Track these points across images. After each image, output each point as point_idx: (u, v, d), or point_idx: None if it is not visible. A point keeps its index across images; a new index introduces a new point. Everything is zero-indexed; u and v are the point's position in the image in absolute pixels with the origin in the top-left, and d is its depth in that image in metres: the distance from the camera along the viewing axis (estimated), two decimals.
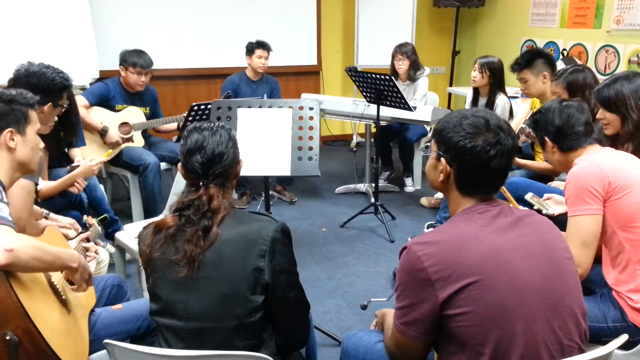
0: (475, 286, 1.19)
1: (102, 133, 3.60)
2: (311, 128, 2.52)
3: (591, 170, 1.80)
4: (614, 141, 2.16)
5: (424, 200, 4.31)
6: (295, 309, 1.51)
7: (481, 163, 1.28)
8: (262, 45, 4.29)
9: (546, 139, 1.97)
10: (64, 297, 1.55)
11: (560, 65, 4.38)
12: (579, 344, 1.28)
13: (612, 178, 1.76)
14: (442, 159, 1.34)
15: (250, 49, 4.32)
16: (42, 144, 1.73)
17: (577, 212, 1.78)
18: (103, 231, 3.15)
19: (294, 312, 1.51)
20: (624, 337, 1.28)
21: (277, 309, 1.43)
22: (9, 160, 1.59)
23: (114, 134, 3.64)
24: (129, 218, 3.71)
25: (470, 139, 1.28)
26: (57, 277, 1.58)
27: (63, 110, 2.60)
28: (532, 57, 3.14)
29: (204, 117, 3.63)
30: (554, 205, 2.33)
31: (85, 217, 2.36)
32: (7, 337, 1.25)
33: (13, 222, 1.39)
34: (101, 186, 3.21)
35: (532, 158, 3.29)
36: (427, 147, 1.44)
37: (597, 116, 2.16)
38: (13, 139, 1.58)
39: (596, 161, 1.82)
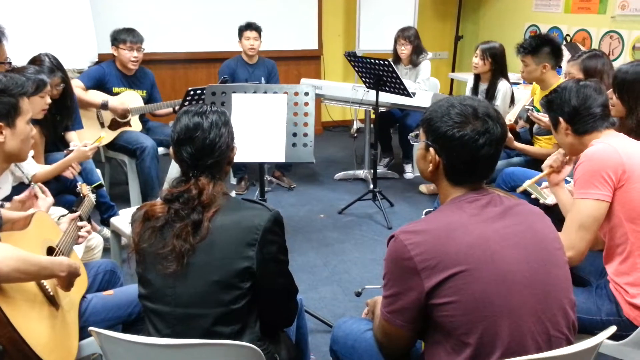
0: (461, 276, 1.18)
1: (103, 107, 3.56)
2: (306, 114, 2.49)
3: (608, 154, 1.71)
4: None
5: (422, 187, 4.29)
6: (282, 294, 1.52)
7: (470, 152, 1.26)
8: (250, 26, 4.22)
9: (560, 119, 1.87)
10: (51, 292, 1.50)
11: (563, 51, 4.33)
12: (567, 335, 1.27)
13: (627, 165, 1.69)
14: (431, 149, 1.32)
15: (239, 31, 4.27)
16: (34, 132, 1.68)
17: (584, 195, 1.71)
18: (99, 217, 3.16)
19: (281, 297, 1.51)
20: (612, 329, 1.26)
21: (265, 295, 1.43)
22: None
23: (116, 103, 3.58)
24: (126, 202, 3.71)
25: (458, 128, 1.26)
26: None
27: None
28: (539, 45, 3.07)
29: (200, 102, 3.60)
30: (552, 194, 2.30)
31: (79, 184, 2.25)
32: None
33: None
34: (98, 171, 3.20)
35: (531, 144, 3.26)
36: (416, 135, 1.41)
37: (607, 93, 2.04)
38: (2, 133, 1.51)
39: (614, 145, 1.74)
